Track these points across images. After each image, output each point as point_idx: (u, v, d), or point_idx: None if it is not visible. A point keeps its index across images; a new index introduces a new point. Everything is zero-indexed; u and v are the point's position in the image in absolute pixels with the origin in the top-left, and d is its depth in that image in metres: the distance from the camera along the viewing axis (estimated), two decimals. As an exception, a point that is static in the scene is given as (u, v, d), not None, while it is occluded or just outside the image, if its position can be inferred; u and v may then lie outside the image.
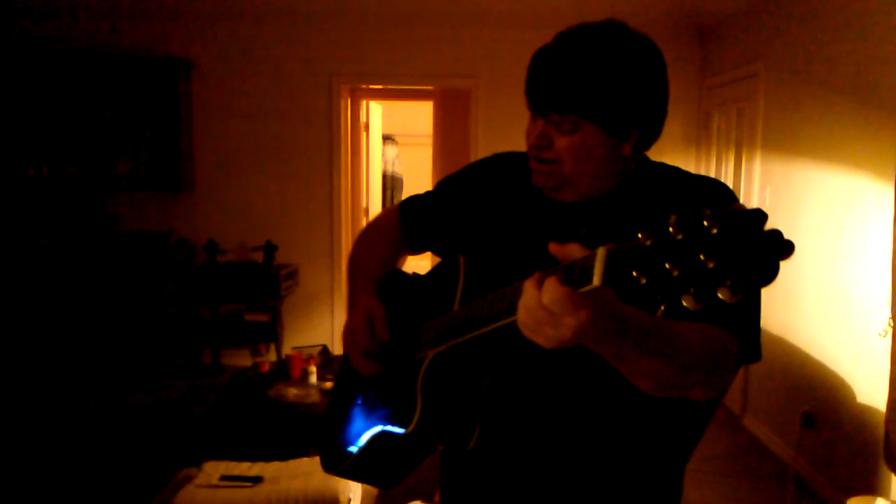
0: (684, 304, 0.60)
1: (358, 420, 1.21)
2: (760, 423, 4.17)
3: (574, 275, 0.70)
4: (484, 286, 0.96)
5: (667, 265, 0.60)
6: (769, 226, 0.58)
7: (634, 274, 0.62)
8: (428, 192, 1.34)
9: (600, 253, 0.66)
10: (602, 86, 0.98)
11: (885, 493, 2.94)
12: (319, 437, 1.34)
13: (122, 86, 4.96)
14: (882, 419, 2.98)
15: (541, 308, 0.70)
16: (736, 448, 4.02)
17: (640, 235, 0.63)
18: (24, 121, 4.97)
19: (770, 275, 0.58)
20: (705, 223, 0.58)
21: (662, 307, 0.62)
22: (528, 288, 0.72)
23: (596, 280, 0.66)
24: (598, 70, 0.98)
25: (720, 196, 1.03)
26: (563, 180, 1.05)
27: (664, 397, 0.89)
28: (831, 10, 3.52)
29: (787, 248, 0.57)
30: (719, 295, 0.58)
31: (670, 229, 0.60)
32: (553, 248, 0.73)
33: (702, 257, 0.58)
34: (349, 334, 1.19)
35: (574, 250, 0.71)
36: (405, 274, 1.31)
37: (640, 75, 1.01)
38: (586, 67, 0.98)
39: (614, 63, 0.99)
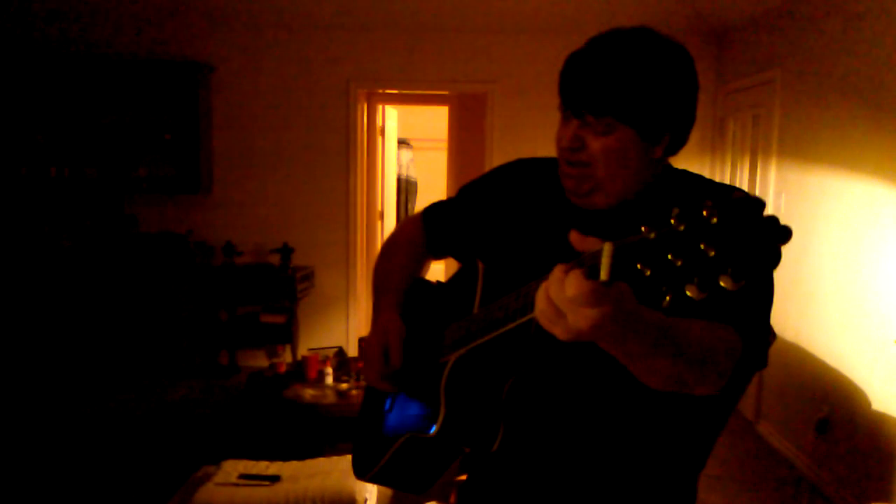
0: (688, 293, 0.62)
1: (387, 426, 1.24)
2: (775, 429, 4.16)
3: (583, 269, 0.71)
4: (502, 290, 0.98)
5: (669, 256, 0.62)
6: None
7: (639, 266, 0.64)
8: (450, 199, 1.35)
9: (606, 248, 0.67)
10: (640, 89, 1.00)
11: (900, 501, 2.94)
12: (353, 443, 1.36)
13: (142, 89, 5.03)
14: (897, 427, 2.98)
15: (561, 299, 0.72)
16: (750, 454, 4.02)
17: (643, 229, 0.64)
18: (46, 122, 5.05)
19: (770, 260, 0.59)
20: (705, 213, 0.60)
21: (668, 298, 0.63)
22: (552, 279, 0.73)
23: (603, 275, 0.67)
24: (636, 73, 1.00)
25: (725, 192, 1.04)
26: (595, 184, 1.05)
27: (679, 400, 0.91)
28: (848, 16, 3.52)
29: (784, 234, 0.59)
30: (721, 283, 0.60)
31: (672, 221, 0.62)
32: (574, 236, 0.74)
33: (702, 246, 0.60)
34: (364, 356, 1.23)
35: (592, 243, 0.73)
36: (428, 282, 1.33)
37: (675, 79, 1.03)
38: (624, 70, 1.00)
39: (651, 66, 1.00)
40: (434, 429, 1.05)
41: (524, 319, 0.86)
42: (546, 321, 0.75)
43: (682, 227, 0.61)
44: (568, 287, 0.70)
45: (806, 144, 3.93)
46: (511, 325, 0.90)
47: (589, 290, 0.69)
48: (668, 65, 1.02)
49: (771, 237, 0.59)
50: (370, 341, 1.22)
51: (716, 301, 0.63)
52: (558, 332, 0.74)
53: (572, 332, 0.73)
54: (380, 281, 1.34)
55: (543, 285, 0.74)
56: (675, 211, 0.62)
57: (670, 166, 1.13)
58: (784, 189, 4.18)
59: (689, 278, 0.61)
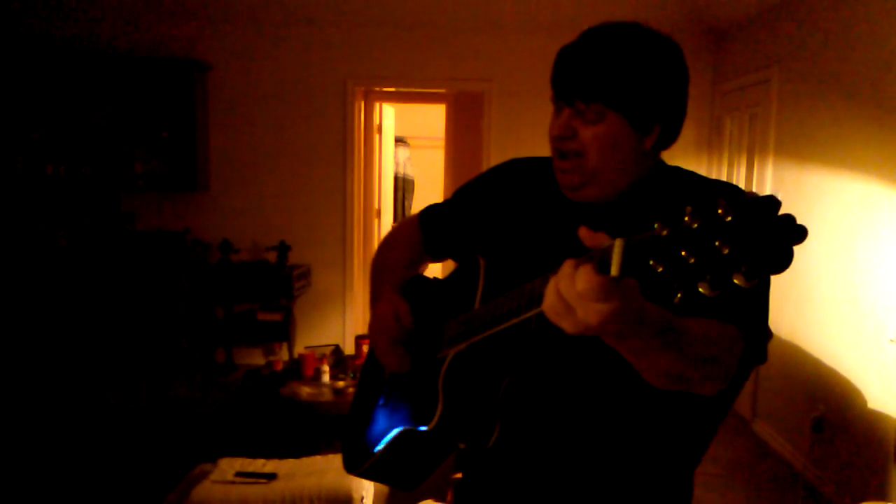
0: (700, 290, 0.62)
1: (380, 421, 1.23)
2: (770, 427, 4.17)
3: (594, 264, 0.71)
4: (503, 286, 0.98)
5: (683, 253, 0.61)
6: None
7: (651, 263, 0.64)
8: (447, 201, 1.36)
9: (618, 244, 0.67)
10: (628, 75, 1.01)
11: (895, 500, 2.95)
12: (342, 438, 1.36)
13: (139, 87, 5.02)
14: (893, 425, 2.99)
15: (571, 294, 0.72)
16: (746, 452, 4.03)
17: (656, 226, 0.64)
18: (42, 120, 5.04)
19: (784, 259, 0.59)
20: (720, 211, 0.60)
21: (679, 294, 0.63)
22: (562, 273, 0.74)
23: (614, 270, 0.67)
24: (625, 60, 1.01)
25: (734, 191, 1.04)
26: (588, 176, 1.06)
27: (678, 398, 0.91)
28: (845, 15, 3.52)
29: (800, 233, 0.59)
30: (735, 280, 0.60)
31: (686, 219, 0.62)
32: (583, 232, 0.74)
33: (717, 244, 0.59)
34: (377, 324, 1.20)
35: (602, 239, 0.73)
36: (426, 278, 1.33)
37: (665, 68, 1.04)
38: (613, 57, 1.01)
39: (640, 54, 1.02)
40: (431, 423, 1.05)
41: (530, 314, 0.86)
42: (555, 315, 0.75)
43: (695, 225, 0.61)
44: (578, 281, 0.71)
45: (802, 143, 3.94)
46: (515, 321, 0.90)
47: (599, 285, 0.69)
48: (657, 53, 1.03)
49: (787, 236, 0.58)
50: (379, 313, 1.21)
51: (721, 298, 0.63)
52: (567, 326, 0.75)
53: (581, 326, 0.73)
54: (378, 275, 1.34)
55: (553, 279, 0.75)
56: (689, 208, 0.62)
57: (663, 162, 1.13)
58: (780, 187, 4.19)
59: (702, 276, 0.61)
